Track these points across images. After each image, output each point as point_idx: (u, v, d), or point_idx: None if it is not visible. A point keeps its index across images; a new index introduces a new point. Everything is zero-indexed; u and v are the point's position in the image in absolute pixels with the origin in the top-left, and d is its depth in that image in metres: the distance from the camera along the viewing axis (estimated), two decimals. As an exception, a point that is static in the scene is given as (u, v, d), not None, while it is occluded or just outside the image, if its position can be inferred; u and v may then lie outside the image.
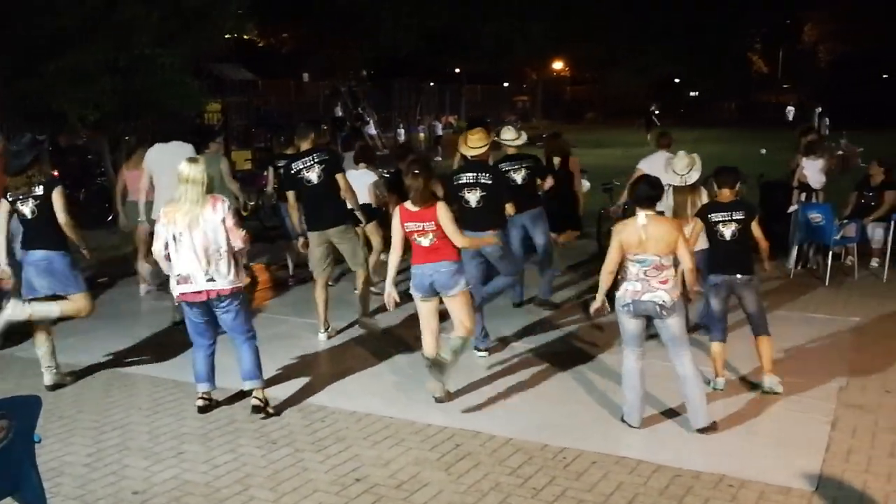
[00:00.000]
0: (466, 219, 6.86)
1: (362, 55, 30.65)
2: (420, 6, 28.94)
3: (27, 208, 5.98)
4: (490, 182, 6.93)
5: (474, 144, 7.01)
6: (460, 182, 6.98)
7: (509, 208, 7.08)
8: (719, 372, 6.18)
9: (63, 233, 6.01)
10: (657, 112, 40.25)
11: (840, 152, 16.03)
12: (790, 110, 43.86)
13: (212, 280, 5.47)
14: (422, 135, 32.80)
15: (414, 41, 30.33)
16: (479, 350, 6.91)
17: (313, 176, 7.21)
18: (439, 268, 5.77)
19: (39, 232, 5.98)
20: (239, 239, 5.53)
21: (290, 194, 7.41)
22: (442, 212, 5.74)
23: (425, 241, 5.79)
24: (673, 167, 7.04)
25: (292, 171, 7.30)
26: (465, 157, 7.20)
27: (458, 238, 5.78)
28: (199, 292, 5.48)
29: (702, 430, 5.33)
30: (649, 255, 5.26)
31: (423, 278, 5.82)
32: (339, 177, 7.27)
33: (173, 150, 8.03)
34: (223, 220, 5.46)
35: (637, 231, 5.28)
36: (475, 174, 6.95)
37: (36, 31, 9.84)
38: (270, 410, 5.69)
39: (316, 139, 7.41)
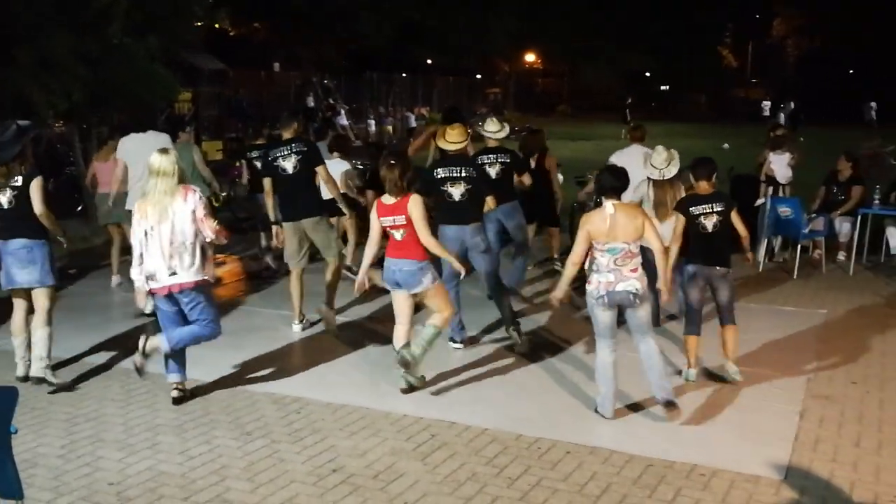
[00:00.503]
0: (450, 213, 6.90)
1: (335, 46, 30.48)
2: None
3: (4, 198, 5.89)
4: (475, 176, 6.93)
5: (454, 139, 7.02)
6: (441, 176, 6.94)
7: (490, 202, 7.02)
8: (692, 363, 6.26)
9: (41, 222, 5.93)
10: (629, 103, 40.49)
11: (872, 151, 16.10)
12: (766, 105, 43.11)
13: (174, 274, 5.46)
14: (389, 127, 32.59)
15: (390, 31, 30.24)
16: (455, 342, 6.94)
17: (289, 165, 7.19)
18: (403, 265, 5.76)
19: (17, 221, 5.90)
20: (210, 230, 5.49)
21: (267, 181, 7.39)
22: (413, 205, 5.68)
23: (398, 235, 5.78)
24: (651, 161, 7.12)
25: (269, 159, 7.30)
26: (444, 151, 7.20)
27: (425, 236, 5.71)
28: (163, 287, 5.50)
29: (667, 406, 5.41)
30: (619, 244, 5.33)
31: (390, 272, 5.86)
32: (319, 169, 7.24)
33: (148, 140, 7.97)
34: (193, 211, 5.43)
35: (605, 220, 5.35)
36: (458, 168, 6.92)
37: (6, 18, 9.68)
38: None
39: (297, 129, 7.38)
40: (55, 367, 6.25)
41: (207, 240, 5.54)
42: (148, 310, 7.61)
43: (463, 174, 6.89)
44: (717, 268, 6.16)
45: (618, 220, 5.32)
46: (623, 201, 5.58)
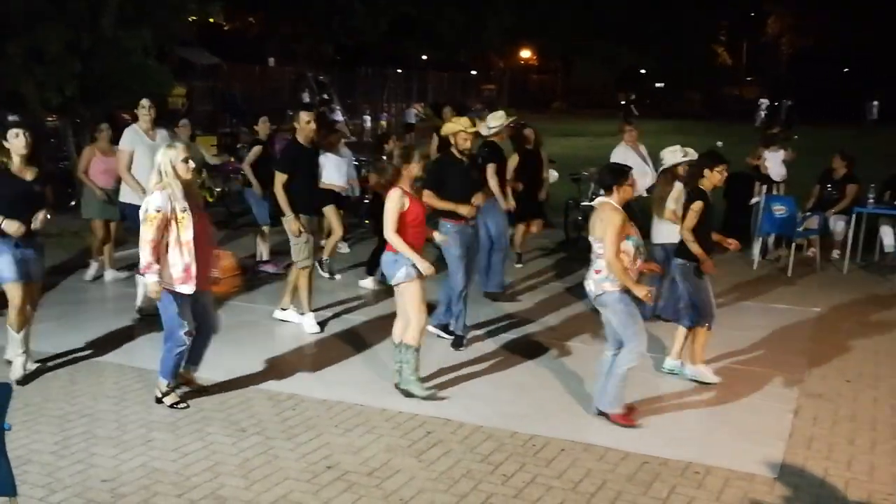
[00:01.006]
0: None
1: (330, 41, 30.42)
2: None
3: None
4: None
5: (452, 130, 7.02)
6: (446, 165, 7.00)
7: (478, 197, 7.01)
8: (678, 355, 6.30)
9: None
10: (633, 99, 40.18)
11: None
12: (763, 103, 39.54)
13: None
14: (383, 122, 32.36)
15: (384, 26, 30.20)
16: (450, 333, 6.95)
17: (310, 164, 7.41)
18: (384, 256, 5.88)
19: None
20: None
21: (282, 176, 7.19)
22: (388, 198, 5.76)
23: None
24: (664, 161, 7.26)
25: (291, 156, 7.34)
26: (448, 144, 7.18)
27: (387, 230, 5.71)
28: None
29: (601, 414, 5.45)
30: (592, 239, 5.38)
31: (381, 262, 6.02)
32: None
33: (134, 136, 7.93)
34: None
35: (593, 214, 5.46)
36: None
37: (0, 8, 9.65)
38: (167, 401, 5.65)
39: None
40: (48, 362, 6.24)
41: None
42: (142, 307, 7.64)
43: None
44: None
45: (596, 215, 5.39)
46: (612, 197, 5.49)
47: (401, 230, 5.68)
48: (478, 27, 38.73)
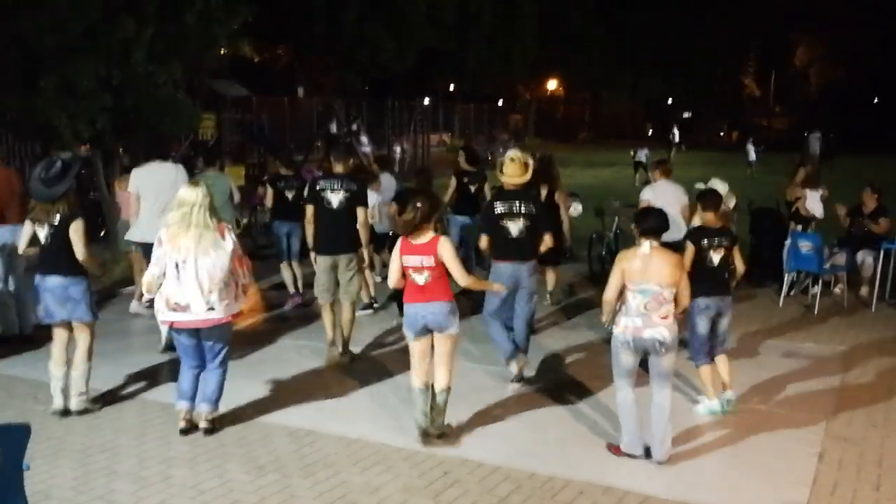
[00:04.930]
0: (507, 249, 6.78)
1: (357, 72, 30.70)
2: (416, 28, 29.10)
3: (42, 233, 5.98)
4: (534, 213, 6.78)
5: (512, 173, 6.88)
6: (498, 212, 6.79)
7: (548, 240, 6.84)
8: (713, 392, 6.25)
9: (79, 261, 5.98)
10: (676, 133, 39.85)
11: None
12: (815, 136, 34.42)
13: (212, 309, 5.49)
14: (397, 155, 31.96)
15: (411, 58, 30.46)
16: (509, 362, 6.83)
17: (335, 200, 7.30)
18: (434, 308, 5.52)
19: (54, 258, 5.96)
20: (247, 268, 5.66)
21: (309, 210, 7.42)
22: (444, 247, 5.47)
23: (420, 279, 5.53)
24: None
25: (317, 189, 7.39)
26: (501, 186, 7.09)
27: (462, 276, 5.58)
28: (194, 321, 5.50)
29: (658, 463, 5.37)
30: (652, 285, 5.25)
31: (417, 318, 5.58)
32: (360, 210, 7.31)
33: (154, 171, 8.07)
34: (234, 250, 5.51)
35: (640, 259, 5.31)
36: (517, 203, 6.78)
37: (33, 47, 9.87)
38: (214, 425, 5.81)
39: (350, 165, 7.50)
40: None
41: (242, 281, 5.61)
42: (165, 342, 7.70)
43: (523, 210, 6.76)
44: (727, 297, 6.34)
45: (653, 261, 5.28)
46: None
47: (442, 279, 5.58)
48: (504, 59, 38.97)
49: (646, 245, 5.33)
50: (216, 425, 5.77)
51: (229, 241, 5.51)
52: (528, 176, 6.94)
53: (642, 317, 5.28)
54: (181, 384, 5.79)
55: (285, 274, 9.67)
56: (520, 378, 6.83)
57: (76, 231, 5.92)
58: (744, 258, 6.45)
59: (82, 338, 6.11)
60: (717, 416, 6.18)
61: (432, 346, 5.71)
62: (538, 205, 6.97)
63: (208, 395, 5.72)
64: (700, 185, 7.50)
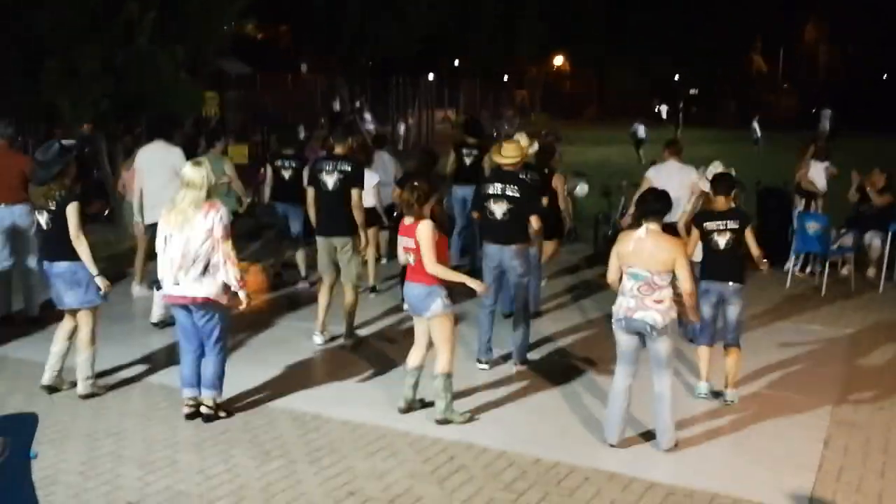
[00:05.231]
0: (491, 231, 6.85)
1: (361, 50, 30.58)
2: (420, 7, 28.94)
3: (42, 219, 5.96)
4: (518, 196, 6.74)
5: (508, 153, 6.88)
6: (487, 192, 6.84)
7: (534, 221, 6.82)
8: (704, 376, 6.24)
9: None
10: (682, 107, 39.73)
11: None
12: (826, 112, 34.45)
13: (177, 285, 5.50)
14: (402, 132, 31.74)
15: (417, 36, 30.34)
16: (481, 362, 6.89)
17: (330, 182, 7.26)
18: (413, 289, 5.72)
19: (58, 243, 5.94)
20: (222, 253, 5.44)
21: (310, 192, 7.46)
22: (422, 231, 5.57)
23: (410, 258, 5.73)
24: (707, 175, 7.16)
25: (315, 170, 7.39)
26: (497, 166, 7.11)
27: (430, 263, 5.57)
28: (174, 296, 5.58)
29: (666, 450, 5.37)
30: (641, 270, 5.24)
31: (406, 296, 5.90)
32: (354, 191, 7.23)
33: (157, 151, 8.02)
34: (210, 229, 5.42)
35: (633, 242, 5.29)
36: (503, 185, 6.80)
37: (38, 26, 9.82)
38: (222, 415, 5.77)
39: (350, 146, 7.44)
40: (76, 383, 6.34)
41: (218, 264, 5.46)
42: (154, 319, 7.74)
43: (507, 193, 6.75)
44: (730, 283, 6.16)
45: (646, 245, 5.24)
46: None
47: (439, 259, 5.63)
48: (509, 37, 38.73)
49: (643, 228, 5.31)
50: (217, 411, 5.75)
51: (209, 220, 5.41)
52: (519, 158, 6.91)
53: (635, 298, 5.27)
54: (182, 370, 5.80)
55: (297, 256, 9.65)
56: (486, 362, 6.90)
57: (70, 213, 5.87)
58: (758, 241, 6.26)
59: (84, 322, 6.10)
60: (727, 402, 6.15)
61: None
62: (525, 188, 6.88)
63: (208, 381, 5.72)
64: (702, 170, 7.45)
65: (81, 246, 5.91)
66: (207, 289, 5.49)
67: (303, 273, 9.56)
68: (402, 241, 5.75)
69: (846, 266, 10.13)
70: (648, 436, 5.54)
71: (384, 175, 9.74)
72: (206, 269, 5.46)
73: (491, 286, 6.77)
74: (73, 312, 6.13)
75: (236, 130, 21.96)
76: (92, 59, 9.95)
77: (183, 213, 5.45)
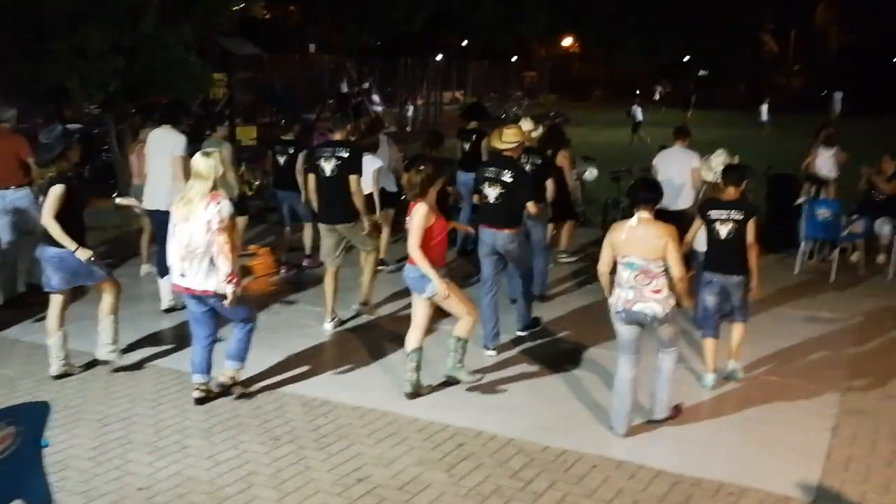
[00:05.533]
0: (485, 214, 6.89)
1: (369, 30, 30.42)
2: None
3: (41, 200, 5.97)
4: (511, 181, 6.75)
5: (507, 139, 6.94)
6: (483, 175, 6.92)
7: (530, 207, 6.83)
8: (710, 367, 6.23)
9: (75, 229, 5.93)
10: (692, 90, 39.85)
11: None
12: (837, 95, 35.58)
13: (183, 276, 5.50)
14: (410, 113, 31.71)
15: (424, 15, 30.17)
16: (489, 349, 6.90)
17: (327, 168, 7.25)
18: (409, 271, 5.83)
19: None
20: (216, 245, 5.36)
21: (310, 179, 7.51)
22: (415, 213, 5.70)
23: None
24: (710, 164, 7.10)
25: (314, 157, 7.40)
26: (494, 150, 7.18)
27: (412, 245, 5.67)
28: (175, 286, 5.61)
29: (650, 421, 5.49)
30: (636, 259, 5.24)
31: (405, 276, 5.97)
32: (352, 178, 7.21)
33: (164, 137, 8.01)
34: (208, 221, 5.37)
35: (625, 231, 5.29)
36: (498, 170, 6.84)
37: (46, 8, 9.81)
38: (235, 391, 5.81)
39: (348, 132, 7.43)
40: (88, 364, 6.37)
41: (216, 256, 5.39)
42: (164, 306, 7.76)
43: (501, 177, 6.78)
44: (733, 276, 6.12)
45: (637, 233, 5.24)
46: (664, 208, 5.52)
47: (424, 246, 5.68)
48: (517, 16, 38.51)
49: (634, 217, 5.30)
50: (233, 386, 5.81)
51: (208, 212, 5.36)
52: (517, 143, 6.94)
53: (633, 289, 5.26)
54: (193, 356, 5.83)
55: (304, 236, 9.68)
56: (493, 349, 6.93)
57: (50, 194, 5.80)
58: (758, 235, 6.15)
59: (107, 291, 6.25)
60: (731, 384, 6.17)
61: (439, 309, 5.96)
62: (520, 174, 6.89)
63: (231, 352, 5.79)
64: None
65: (51, 226, 5.82)
66: (206, 282, 5.48)
67: (307, 252, 9.61)
68: (407, 221, 5.83)
69: (856, 253, 10.09)
70: (655, 424, 5.55)
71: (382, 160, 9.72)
72: (212, 262, 5.45)
73: (490, 273, 6.90)
74: (61, 298, 6.14)
75: (245, 112, 21.91)
76: (99, 40, 9.93)
77: (189, 204, 5.44)
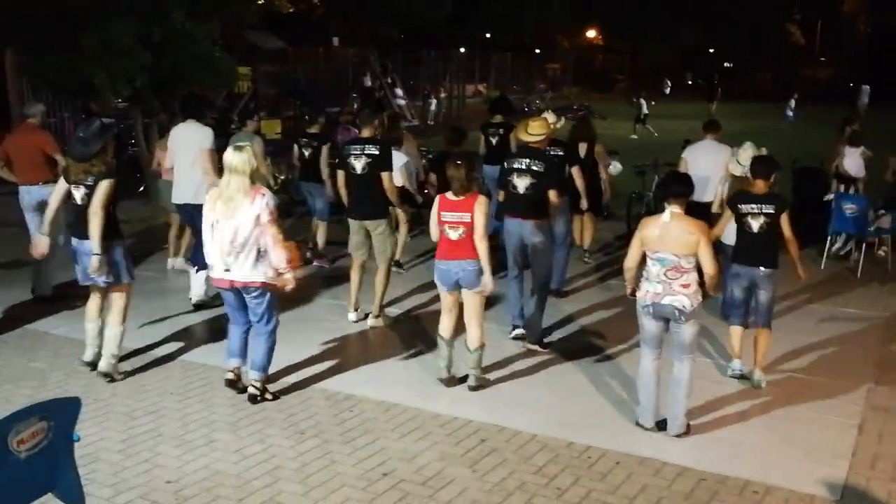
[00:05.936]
0: (513, 205, 6.90)
1: (393, 23, 30.42)
2: None
3: (78, 194, 6.00)
4: (542, 170, 6.78)
5: (534, 131, 6.98)
6: (511, 166, 6.92)
7: (553, 195, 6.82)
8: (737, 353, 6.22)
9: (113, 222, 6.01)
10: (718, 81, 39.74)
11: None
12: (865, 88, 34.14)
13: (227, 271, 5.56)
14: (433, 107, 31.70)
15: (448, 8, 30.12)
16: (518, 327, 7.02)
17: (358, 165, 7.29)
18: (466, 266, 5.85)
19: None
20: (270, 237, 5.48)
21: (340, 174, 7.59)
22: (480, 207, 5.79)
23: (454, 235, 5.85)
24: (738, 158, 7.06)
25: (344, 154, 7.46)
26: (522, 142, 7.22)
27: (482, 239, 5.79)
28: (223, 279, 5.63)
29: (676, 436, 5.36)
30: (668, 255, 5.22)
31: (449, 275, 5.94)
32: (384, 175, 7.25)
33: (190, 131, 8.05)
34: (258, 216, 5.46)
35: (658, 227, 5.27)
36: (528, 160, 6.86)
37: (75, 3, 9.91)
38: (269, 396, 5.84)
39: (376, 128, 7.48)
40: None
41: (267, 247, 5.51)
42: (194, 301, 7.83)
43: (533, 167, 6.80)
44: (761, 269, 6.10)
45: (671, 229, 5.21)
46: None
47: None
48: (541, 6, 38.34)
49: (667, 212, 5.27)
50: (264, 393, 5.82)
51: (256, 207, 5.45)
52: (544, 135, 6.99)
53: (663, 283, 5.25)
54: (230, 341, 5.93)
55: (318, 232, 9.73)
56: (520, 337, 7.04)
57: (102, 187, 5.87)
58: (793, 227, 6.13)
59: (117, 298, 6.17)
60: (754, 385, 6.14)
61: (461, 302, 6.05)
62: (550, 164, 6.94)
63: (256, 363, 5.79)
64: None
65: (96, 219, 5.84)
66: (262, 273, 5.56)
67: (320, 247, 9.66)
68: (449, 217, 5.85)
69: (882, 248, 9.98)
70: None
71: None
72: (258, 254, 5.52)
73: (515, 263, 7.01)
74: (100, 289, 6.20)
75: (269, 105, 22.04)
76: (127, 35, 10.02)
77: (231, 201, 5.48)
